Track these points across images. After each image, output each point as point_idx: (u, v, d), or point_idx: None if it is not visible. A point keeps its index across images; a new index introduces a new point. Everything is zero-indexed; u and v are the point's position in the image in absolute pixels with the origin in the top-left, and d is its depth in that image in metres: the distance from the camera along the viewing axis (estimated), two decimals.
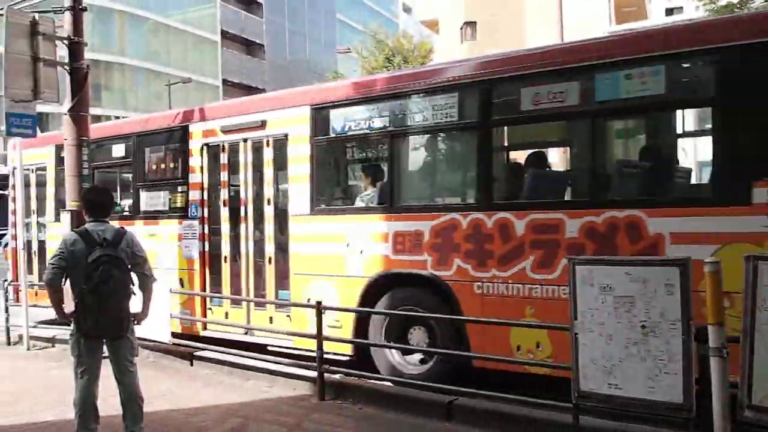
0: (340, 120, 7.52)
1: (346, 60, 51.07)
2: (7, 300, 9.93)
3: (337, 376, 6.53)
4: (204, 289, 8.85)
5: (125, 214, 9.84)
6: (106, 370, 5.14)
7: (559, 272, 5.89)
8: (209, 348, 7.94)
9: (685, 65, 5.64)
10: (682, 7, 29.39)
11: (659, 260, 4.93)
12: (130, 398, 5.15)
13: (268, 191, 8.22)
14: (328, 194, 7.83)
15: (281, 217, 8.09)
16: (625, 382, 4.47)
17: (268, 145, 8.21)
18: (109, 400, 5.29)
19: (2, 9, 8.23)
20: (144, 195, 9.65)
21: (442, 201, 7.02)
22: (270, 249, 8.22)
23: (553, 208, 6.09)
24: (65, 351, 8.99)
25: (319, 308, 6.55)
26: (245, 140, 8.45)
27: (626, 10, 28.80)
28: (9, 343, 9.80)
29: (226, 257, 8.71)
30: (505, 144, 7.11)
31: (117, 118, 21.88)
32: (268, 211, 8.23)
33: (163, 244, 9.18)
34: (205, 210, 8.92)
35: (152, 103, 47.13)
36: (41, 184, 11.48)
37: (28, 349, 9.40)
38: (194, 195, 8.92)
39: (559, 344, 5.62)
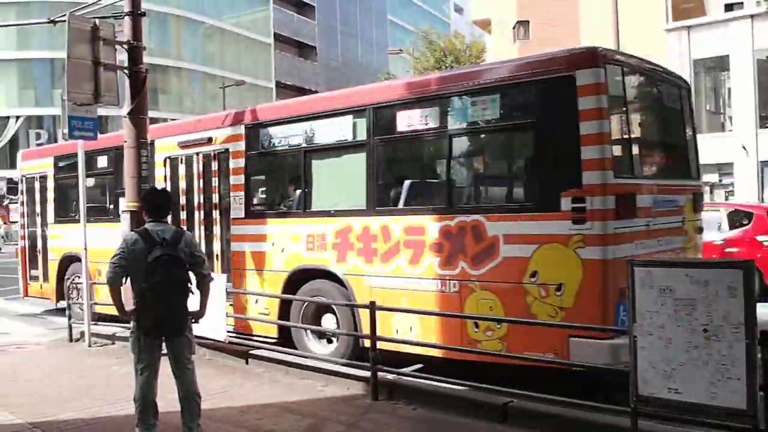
0: (266, 137, 8.83)
1: (397, 61, 51.11)
2: (68, 298, 10.19)
3: (390, 376, 6.53)
4: None
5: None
6: (166, 367, 5.25)
7: (424, 269, 7.04)
8: (264, 347, 8.04)
9: (510, 95, 6.68)
10: (742, 2, 28.60)
11: (721, 262, 4.82)
12: (188, 395, 5.25)
13: (215, 198, 9.57)
14: (258, 201, 9.12)
15: (226, 220, 9.34)
16: (685, 387, 4.37)
17: (214, 158, 9.50)
18: (167, 397, 5.40)
19: (65, 15, 8.48)
20: (121, 201, 10.50)
21: (340, 207, 8.04)
22: (216, 247, 9.57)
23: (420, 213, 7.19)
24: (125, 348, 9.20)
25: (373, 308, 6.57)
26: (197, 154, 9.74)
27: (685, 6, 28.14)
28: (71, 340, 10.07)
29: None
30: (386, 159, 7.96)
31: (173, 120, 22.47)
32: (216, 215, 9.60)
33: None
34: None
35: (207, 105, 47.99)
36: (43, 191, 13.04)
37: (89, 345, 9.64)
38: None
39: (426, 328, 6.99)
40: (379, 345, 6.61)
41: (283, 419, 5.98)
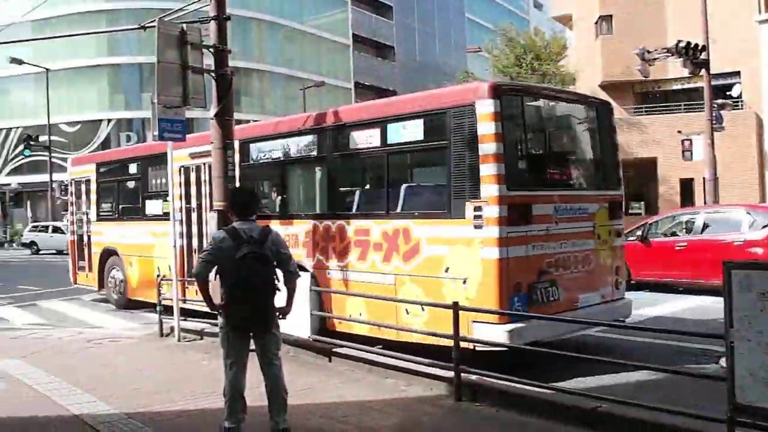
0: (255, 151, 10.36)
1: (476, 59, 50.73)
2: (159, 294, 10.52)
3: (473, 377, 6.48)
4: (182, 273, 11.56)
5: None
6: (254, 362, 5.36)
7: (369, 264, 8.39)
8: (348, 345, 8.10)
9: (430, 121, 7.88)
10: None
11: None
12: (275, 390, 5.34)
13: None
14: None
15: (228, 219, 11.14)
16: None
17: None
18: (255, 391, 5.51)
19: (154, 21, 8.77)
20: (148, 202, 13.08)
21: (309, 211, 9.53)
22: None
23: (366, 218, 8.50)
24: (213, 343, 9.45)
25: (456, 309, 6.53)
26: (204, 164, 11.10)
27: None
28: (162, 335, 10.41)
29: (195, 249, 11.58)
30: (340, 171, 9.33)
31: (255, 121, 22.93)
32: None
33: (157, 239, 12.44)
34: (182, 214, 11.81)
35: (288, 106, 48.80)
36: (87, 193, 15.03)
37: (179, 340, 9.95)
38: (176, 203, 11.19)
39: (372, 311, 8.31)
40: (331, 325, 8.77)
41: (367, 417, 6.01)
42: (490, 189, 7.13)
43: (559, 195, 7.88)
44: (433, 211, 7.83)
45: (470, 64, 52.71)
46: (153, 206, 12.95)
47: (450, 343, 6.62)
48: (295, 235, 9.34)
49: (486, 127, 7.19)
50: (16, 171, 49.35)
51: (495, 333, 6.96)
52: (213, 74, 8.67)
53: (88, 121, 47.61)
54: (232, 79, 8.69)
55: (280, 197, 10.09)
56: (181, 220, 11.71)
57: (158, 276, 10.98)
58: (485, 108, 7.22)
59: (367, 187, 9.09)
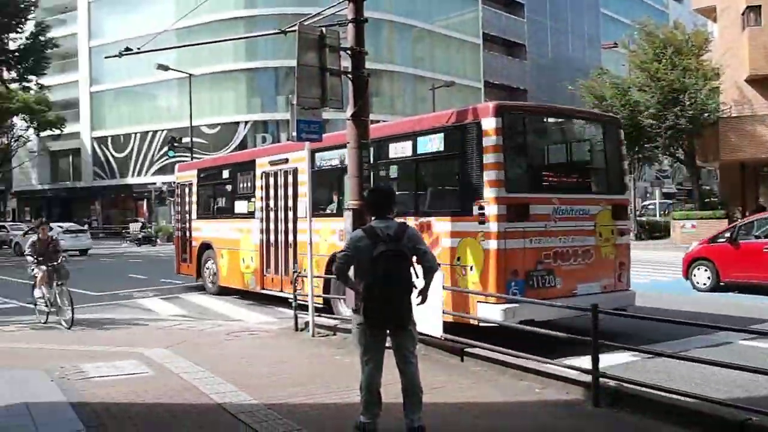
0: (318, 159, 12.40)
1: (611, 55, 49.04)
2: (295, 290, 10.86)
3: (612, 383, 6.28)
4: (262, 268, 14.20)
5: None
6: (389, 359, 5.43)
7: None
8: (480, 345, 8.04)
9: (446, 135, 9.47)
10: None
11: None
12: (411, 388, 5.39)
13: (290, 202, 13.40)
14: (324, 203, 12.29)
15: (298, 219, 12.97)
16: None
17: (290, 174, 13.42)
18: (388, 388, 5.58)
19: (294, 26, 9.06)
20: (236, 203, 15.56)
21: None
22: (290, 238, 13.46)
23: (402, 216, 9.08)
24: (345, 339, 9.67)
25: (595, 311, 6.34)
26: (281, 170, 13.70)
27: None
28: (297, 329, 10.74)
29: (272, 242, 14.02)
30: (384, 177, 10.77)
31: (385, 121, 23.46)
32: (290, 215, 13.38)
33: (242, 234, 15.15)
34: (263, 213, 14.20)
35: (417, 107, 49.08)
36: (189, 194, 17.66)
37: (313, 335, 10.23)
38: (258, 204, 14.39)
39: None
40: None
41: (501, 419, 5.95)
42: (491, 191, 8.64)
43: (558, 198, 9.19)
44: (447, 209, 9.37)
45: (605, 60, 51.01)
46: (240, 206, 15.39)
47: None
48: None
49: (489, 140, 8.71)
50: (160, 171, 52.36)
51: (492, 312, 8.44)
52: (350, 76, 8.85)
53: (227, 123, 49.82)
54: (368, 81, 8.84)
55: (337, 198, 12.13)
56: (261, 218, 14.28)
57: (295, 272, 11.29)
58: (489, 124, 8.73)
59: (403, 189, 10.31)
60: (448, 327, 8.34)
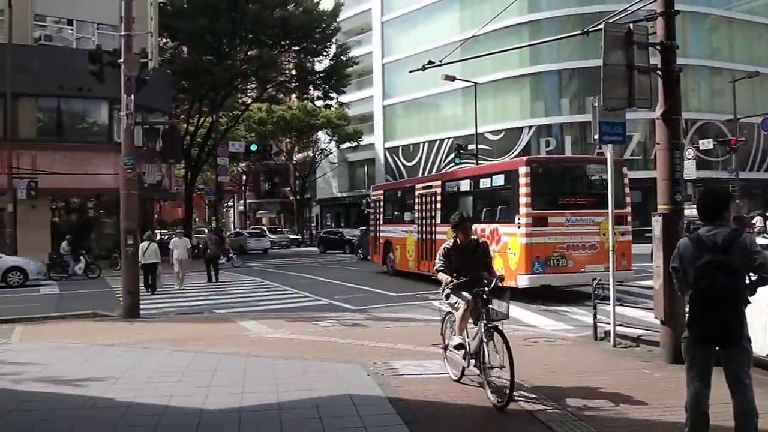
0: (446, 186, 20.58)
1: None
2: (595, 297, 10.49)
3: None
4: (418, 259, 21.96)
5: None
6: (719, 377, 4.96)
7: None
8: None
9: (501, 176, 17.33)
10: None
11: None
12: (744, 412, 4.85)
13: (433, 213, 20.65)
14: (449, 215, 15.18)
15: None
16: None
17: (432, 195, 20.80)
18: (721, 410, 5.10)
19: (598, 25, 8.74)
20: (405, 213, 23.36)
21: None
22: (434, 237, 20.46)
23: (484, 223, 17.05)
24: (650, 352, 9.11)
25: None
26: (429, 192, 21.02)
27: None
28: (596, 339, 10.36)
29: (424, 241, 21.20)
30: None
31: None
32: (434, 222, 20.72)
33: (408, 234, 22.83)
34: (419, 221, 21.71)
35: (714, 102, 45.27)
36: (380, 206, 25.93)
37: (614, 346, 9.78)
38: (416, 214, 22.01)
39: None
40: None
41: None
42: (523, 209, 15.55)
43: (571, 212, 15.77)
44: (503, 220, 16.43)
45: None
46: (407, 215, 23.26)
47: None
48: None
49: (522, 180, 15.63)
50: None
51: (523, 280, 15.20)
52: (659, 72, 8.33)
53: (510, 128, 50.07)
54: (679, 76, 8.25)
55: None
56: (419, 225, 21.78)
57: (594, 279, 10.92)
58: (523, 171, 15.75)
59: (483, 207, 17.83)
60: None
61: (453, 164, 48.86)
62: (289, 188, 68.93)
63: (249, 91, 51.54)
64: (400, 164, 60.33)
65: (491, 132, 50.37)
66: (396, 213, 24.42)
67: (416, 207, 22.02)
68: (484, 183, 18.25)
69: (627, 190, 16.57)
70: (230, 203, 78.78)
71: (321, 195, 70.99)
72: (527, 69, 48.99)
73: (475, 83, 39.73)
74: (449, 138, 53.71)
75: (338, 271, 28.25)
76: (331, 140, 61.37)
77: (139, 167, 18.15)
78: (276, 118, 56.65)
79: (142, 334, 12.20)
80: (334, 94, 48.13)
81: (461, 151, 40.49)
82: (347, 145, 62.02)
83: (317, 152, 63.77)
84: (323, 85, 47.23)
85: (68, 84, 28.24)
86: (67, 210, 34.23)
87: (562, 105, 48.58)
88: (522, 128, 49.54)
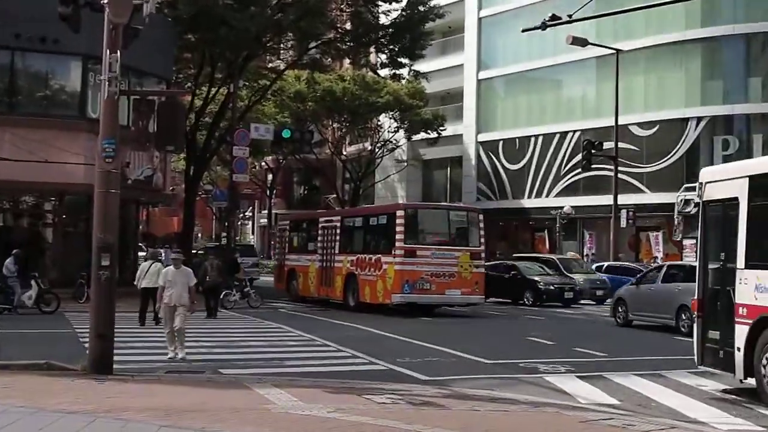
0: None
1: None
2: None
3: None
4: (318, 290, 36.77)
5: None
6: None
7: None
8: None
9: (385, 217, 33.86)
10: None
11: None
12: None
13: (336, 245, 36.11)
14: None
15: None
16: None
17: (336, 226, 36.65)
18: None
19: None
20: None
21: None
22: None
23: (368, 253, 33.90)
24: None
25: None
26: (332, 224, 36.92)
27: None
28: None
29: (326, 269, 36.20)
30: None
31: None
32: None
33: None
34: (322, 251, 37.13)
35: None
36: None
37: None
38: (317, 244, 37.48)
39: None
40: None
41: None
42: (399, 242, 30.25)
43: (435, 248, 30.79)
44: (387, 251, 30.92)
45: None
46: (310, 245, 37.85)
47: None
48: None
49: (398, 221, 30.76)
50: (570, 189, 53.53)
51: (396, 298, 30.18)
52: None
53: (669, 120, 49.20)
54: None
55: None
56: (321, 254, 36.00)
57: None
58: (399, 213, 31.36)
59: (371, 241, 34.01)
60: None
61: (578, 171, 48.47)
62: (335, 195, 69.37)
63: (283, 51, 52.07)
64: (499, 166, 60.04)
65: (639, 124, 49.75)
66: (300, 243, 39.02)
67: (319, 238, 36.23)
68: (373, 221, 33.59)
69: (482, 233, 32.05)
70: (248, 213, 79.89)
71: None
72: (697, 32, 48.26)
73: (617, 51, 39.40)
74: (575, 131, 53.33)
75: (403, 321, 28.14)
76: (399, 128, 61.47)
77: (123, 156, 18.44)
78: (320, 93, 57.18)
79: (115, 398, 12.23)
80: (406, 60, 48.19)
81: (593, 152, 40.04)
82: (422, 136, 61.98)
83: (378, 145, 64.01)
84: (391, 47, 47.37)
85: (26, 32, 29.00)
86: (15, 213, 35.14)
87: (751, 87, 47.63)
88: (687, 120, 48.69)
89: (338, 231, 34.81)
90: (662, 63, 49.74)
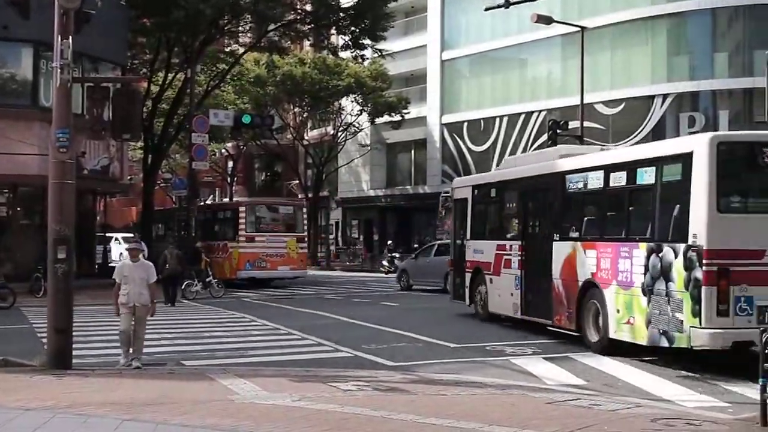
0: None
1: None
2: (766, 360, 10.27)
3: None
4: None
5: None
6: None
7: None
8: None
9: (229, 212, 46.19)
10: None
11: None
12: None
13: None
14: None
15: None
16: None
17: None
18: None
19: None
20: None
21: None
22: None
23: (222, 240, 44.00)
24: None
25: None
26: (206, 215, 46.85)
27: None
28: (765, 423, 10.16)
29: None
30: None
31: None
32: None
33: None
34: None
35: None
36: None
37: None
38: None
39: None
40: None
41: None
42: (240, 234, 40.41)
43: (269, 234, 40.56)
44: (233, 238, 41.32)
45: None
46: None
47: None
48: None
49: (241, 214, 41.37)
50: None
51: (241, 274, 39.85)
52: None
53: (635, 98, 49.45)
54: None
55: None
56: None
57: None
58: (242, 209, 42.09)
59: (220, 229, 45.15)
60: None
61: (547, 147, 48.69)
62: (297, 181, 69.33)
63: (241, 35, 51.88)
64: (464, 148, 60.11)
65: (605, 102, 49.95)
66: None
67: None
68: (224, 215, 44.50)
69: (305, 222, 44.46)
70: (209, 201, 79.56)
71: (345, 192, 71.01)
72: (663, 7, 48.52)
73: (582, 28, 39.54)
74: (541, 111, 53.48)
75: (371, 306, 28.30)
76: (361, 111, 61.48)
77: (78, 145, 18.35)
78: (280, 77, 57.06)
79: (76, 393, 12.29)
80: (367, 42, 48.11)
81: (558, 132, 40.23)
82: (386, 119, 61.99)
83: (341, 129, 63.97)
84: (352, 28, 47.28)
85: None
86: None
87: (717, 63, 47.91)
88: (653, 98, 48.97)
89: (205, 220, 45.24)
90: (628, 39, 49.96)
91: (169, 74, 46.48)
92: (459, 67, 61.84)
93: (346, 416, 10.70)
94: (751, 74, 42.36)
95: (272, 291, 37.54)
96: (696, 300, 14.31)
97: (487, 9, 16.95)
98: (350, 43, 48.23)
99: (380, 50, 49.77)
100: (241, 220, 40.31)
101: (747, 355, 14.26)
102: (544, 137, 44.82)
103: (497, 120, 57.61)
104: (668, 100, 48.39)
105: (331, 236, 71.46)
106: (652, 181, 16.02)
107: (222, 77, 50.72)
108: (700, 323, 14.20)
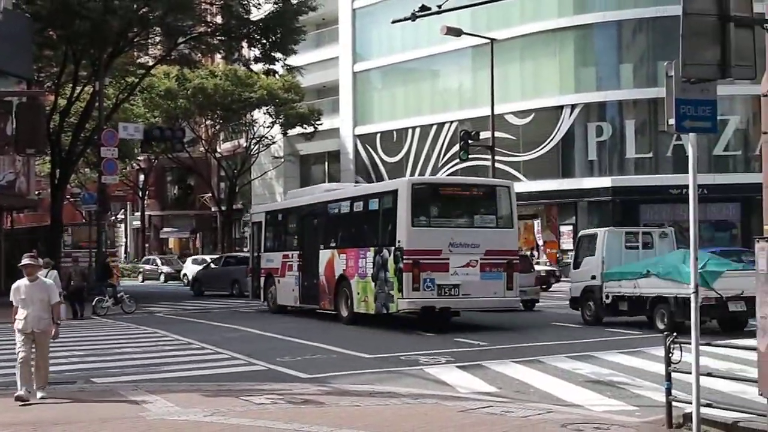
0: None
1: None
2: (669, 362, 10.47)
3: None
4: None
5: None
6: None
7: None
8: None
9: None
10: None
11: None
12: None
13: None
14: None
15: None
16: None
17: None
18: None
19: None
20: None
21: None
22: None
23: None
24: None
25: None
26: None
27: None
28: (670, 425, 10.36)
29: None
30: None
31: None
32: None
33: None
34: None
35: None
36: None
37: None
38: None
39: None
40: None
41: None
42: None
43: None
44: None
45: None
46: None
47: None
48: None
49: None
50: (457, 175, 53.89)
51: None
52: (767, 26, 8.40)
53: (544, 108, 50.17)
54: None
55: None
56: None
57: (668, 334, 10.96)
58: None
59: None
60: None
61: (457, 161, 49.08)
62: (210, 194, 68.85)
63: (151, 47, 51.38)
64: (377, 159, 60.40)
65: (515, 113, 50.60)
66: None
67: None
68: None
69: None
70: (120, 216, 78.56)
71: (259, 204, 70.70)
72: (570, 19, 49.32)
73: (492, 40, 39.89)
74: (452, 122, 53.94)
75: (284, 321, 28.17)
76: (274, 123, 61.30)
77: None
78: (192, 90, 56.66)
79: None
80: (279, 55, 47.94)
81: (470, 142, 40.50)
82: (299, 130, 61.93)
83: (253, 141, 63.70)
84: (263, 41, 47.09)
85: None
86: None
87: (623, 74, 48.91)
88: (561, 108, 49.77)
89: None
90: (537, 51, 50.73)
91: (77, 87, 45.71)
92: (371, 78, 62.22)
93: (258, 430, 10.65)
94: (656, 84, 43.23)
95: (183, 302, 36.54)
96: (400, 281, 22.22)
97: (393, 22, 17.21)
98: (261, 56, 48.02)
99: (290, 66, 49.72)
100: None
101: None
102: (456, 147, 45.13)
103: (410, 131, 58.06)
104: (576, 110, 49.24)
105: (246, 248, 70.98)
106: (377, 208, 24.64)
107: (131, 90, 50.06)
108: (402, 296, 22.26)
